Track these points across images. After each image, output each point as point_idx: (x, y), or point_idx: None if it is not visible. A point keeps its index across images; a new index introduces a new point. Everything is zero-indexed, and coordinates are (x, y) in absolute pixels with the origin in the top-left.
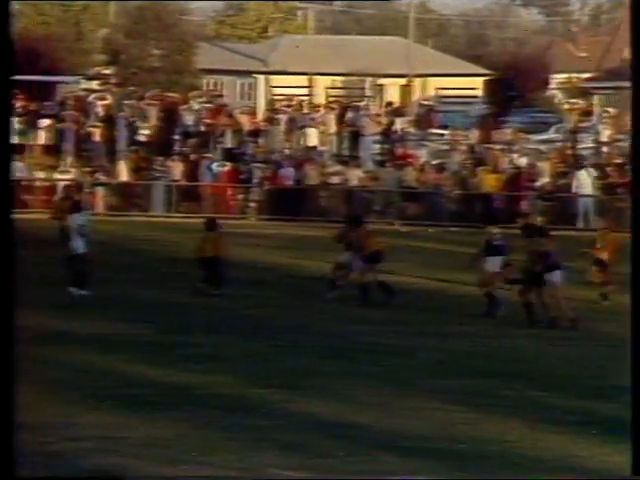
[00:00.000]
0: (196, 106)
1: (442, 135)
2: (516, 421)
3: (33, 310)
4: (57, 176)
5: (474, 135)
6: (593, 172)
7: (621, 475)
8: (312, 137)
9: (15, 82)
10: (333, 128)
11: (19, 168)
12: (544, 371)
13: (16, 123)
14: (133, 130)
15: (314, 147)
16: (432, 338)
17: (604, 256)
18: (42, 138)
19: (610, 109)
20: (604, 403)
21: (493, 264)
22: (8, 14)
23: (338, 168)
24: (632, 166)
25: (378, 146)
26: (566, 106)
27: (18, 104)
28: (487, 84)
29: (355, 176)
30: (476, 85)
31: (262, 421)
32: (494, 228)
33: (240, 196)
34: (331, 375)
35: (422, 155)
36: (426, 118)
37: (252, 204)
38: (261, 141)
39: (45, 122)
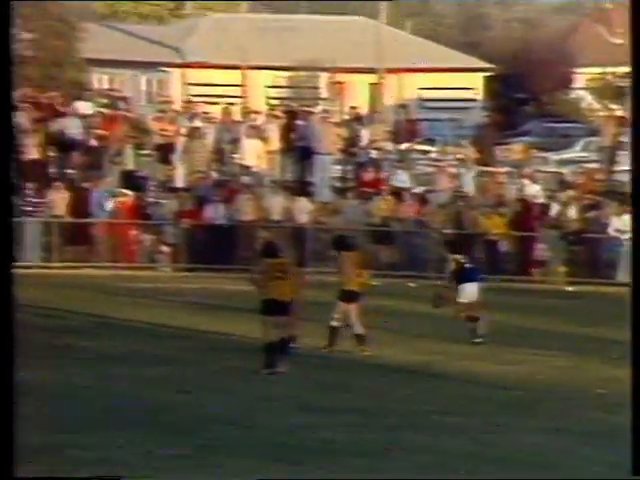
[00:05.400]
0: (86, 110)
1: (426, 153)
2: None
3: None
4: None
5: (469, 153)
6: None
7: (621, 475)
8: (247, 155)
9: None
10: (276, 143)
11: None
12: None
13: None
14: None
15: (250, 169)
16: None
17: None
18: None
19: None
20: None
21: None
22: (8, 14)
23: (283, 198)
24: (632, 167)
25: (338, 168)
26: (599, 113)
27: None
28: (487, 83)
29: (306, 209)
30: (473, 84)
31: None
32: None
33: (147, 237)
34: None
35: (399, 180)
36: (404, 129)
37: (164, 249)
38: (176, 161)
39: None
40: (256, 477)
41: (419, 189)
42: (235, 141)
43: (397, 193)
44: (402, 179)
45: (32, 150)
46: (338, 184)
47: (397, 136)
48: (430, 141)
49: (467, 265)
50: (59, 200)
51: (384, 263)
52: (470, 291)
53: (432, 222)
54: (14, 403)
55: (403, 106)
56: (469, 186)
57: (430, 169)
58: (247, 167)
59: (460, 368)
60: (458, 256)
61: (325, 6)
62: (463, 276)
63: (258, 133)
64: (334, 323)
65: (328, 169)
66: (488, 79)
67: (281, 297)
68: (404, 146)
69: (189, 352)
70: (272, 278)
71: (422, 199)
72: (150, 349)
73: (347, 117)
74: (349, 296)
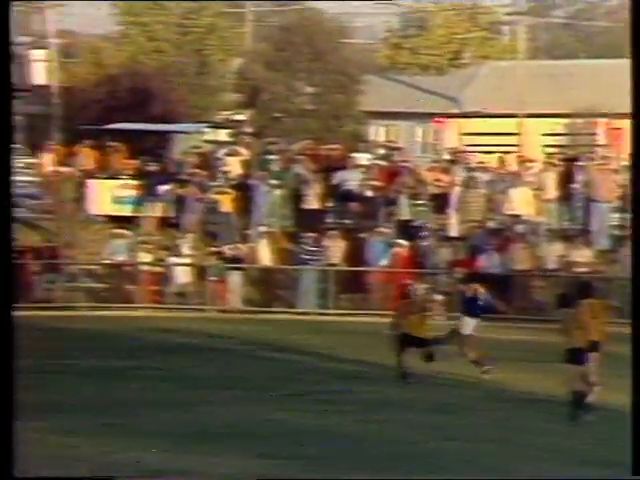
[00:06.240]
0: (363, 162)
1: None
2: None
3: None
4: (171, 260)
5: None
6: None
7: (621, 475)
8: (517, 204)
9: (118, 132)
10: (552, 191)
11: (121, 248)
12: None
13: (125, 189)
14: (275, 197)
15: (520, 217)
16: None
17: None
18: (158, 209)
19: None
20: None
21: None
22: (8, 14)
23: (559, 247)
24: (632, 165)
25: (616, 215)
26: None
27: (124, 162)
28: None
29: (584, 258)
30: None
31: None
32: None
33: (420, 286)
34: None
35: None
36: None
37: (437, 297)
38: (450, 210)
39: (164, 188)
40: None
41: None
42: (508, 190)
43: None
44: None
45: (312, 200)
46: (616, 232)
47: None
48: None
49: (482, 299)
50: (336, 249)
51: None
52: (472, 324)
53: None
54: (14, 405)
55: None
56: None
57: None
58: (517, 215)
59: None
60: (478, 287)
61: (605, 48)
62: (474, 308)
63: (527, 181)
64: None
65: (606, 217)
66: None
67: (584, 344)
68: None
69: (469, 401)
70: (574, 326)
71: None
72: (429, 396)
73: (625, 164)
74: (591, 347)
